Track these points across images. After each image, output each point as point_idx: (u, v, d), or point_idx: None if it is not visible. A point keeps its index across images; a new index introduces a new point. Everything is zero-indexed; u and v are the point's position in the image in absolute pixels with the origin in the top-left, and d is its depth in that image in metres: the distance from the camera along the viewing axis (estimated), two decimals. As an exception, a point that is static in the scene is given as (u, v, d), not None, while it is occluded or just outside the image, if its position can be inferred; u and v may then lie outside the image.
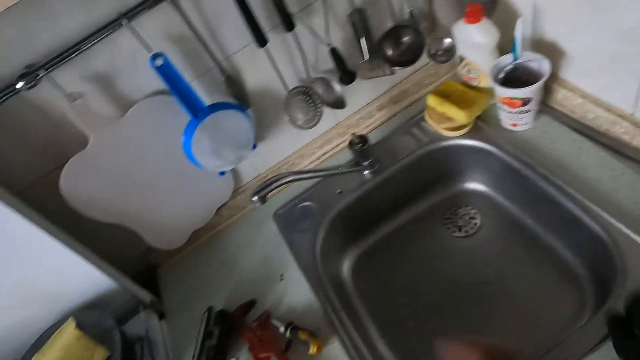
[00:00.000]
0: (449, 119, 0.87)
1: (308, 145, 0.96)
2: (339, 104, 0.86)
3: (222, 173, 0.89)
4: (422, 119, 0.94)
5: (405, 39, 0.86)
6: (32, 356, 0.76)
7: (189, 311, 0.86)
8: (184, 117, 0.75)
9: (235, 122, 0.80)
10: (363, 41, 0.82)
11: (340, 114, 0.96)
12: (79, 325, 0.77)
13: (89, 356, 0.73)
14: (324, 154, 0.98)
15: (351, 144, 0.86)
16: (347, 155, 0.97)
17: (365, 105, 0.97)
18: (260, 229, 0.93)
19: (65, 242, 0.72)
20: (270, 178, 0.76)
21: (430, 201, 0.97)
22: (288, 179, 0.76)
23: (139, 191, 0.81)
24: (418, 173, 0.93)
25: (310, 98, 0.86)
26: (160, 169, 0.81)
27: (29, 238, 0.69)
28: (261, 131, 0.89)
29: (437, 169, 0.94)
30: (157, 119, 0.77)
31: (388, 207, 0.95)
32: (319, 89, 0.85)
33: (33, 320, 0.80)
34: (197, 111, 0.75)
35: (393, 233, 0.96)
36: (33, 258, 0.72)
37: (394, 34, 0.85)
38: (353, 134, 0.85)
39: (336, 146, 0.98)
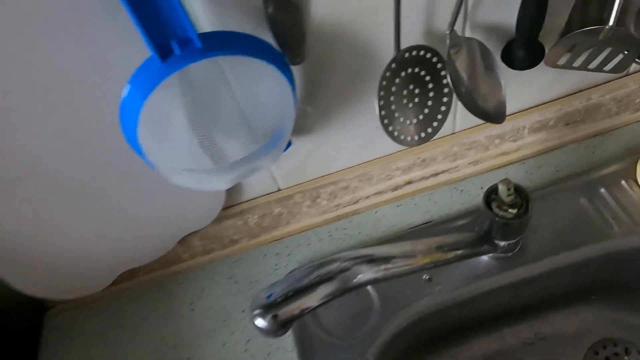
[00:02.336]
0: None
1: (383, 161, 0.49)
2: (495, 109, 0.39)
3: (206, 185, 0.43)
4: (629, 176, 0.47)
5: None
6: None
7: None
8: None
9: (266, 91, 0.34)
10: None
11: (462, 119, 0.48)
12: None
13: None
14: (408, 182, 0.52)
15: (492, 200, 0.40)
16: (449, 199, 0.51)
17: (513, 114, 0.50)
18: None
19: None
20: (308, 268, 0.30)
21: (575, 321, 0.53)
22: (355, 282, 0.30)
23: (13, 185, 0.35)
24: (582, 277, 0.48)
25: (434, 79, 0.38)
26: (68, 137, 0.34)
27: None
28: (312, 106, 0.42)
29: (618, 276, 0.49)
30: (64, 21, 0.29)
31: (493, 315, 0.51)
32: (462, 65, 0.37)
33: None
34: (171, 46, 0.28)
35: (491, 356, 0.52)
36: None
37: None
38: (508, 182, 0.38)
39: (434, 175, 0.52)
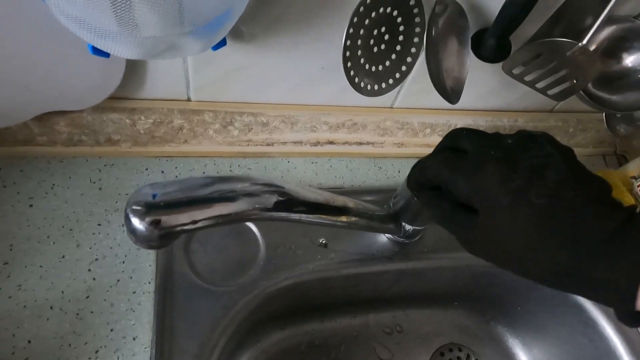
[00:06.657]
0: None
1: (314, 109, 0.44)
2: (453, 87, 0.36)
3: (101, 52, 0.33)
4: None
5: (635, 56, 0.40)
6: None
7: None
8: None
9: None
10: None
11: (405, 96, 0.46)
12: None
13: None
14: (331, 142, 0.48)
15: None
16: (365, 172, 0.49)
17: (450, 110, 0.49)
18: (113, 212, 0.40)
19: None
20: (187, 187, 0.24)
21: (433, 322, 0.54)
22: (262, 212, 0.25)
23: None
24: (458, 280, 0.49)
25: (407, 29, 0.34)
26: None
27: None
28: (252, 17, 0.35)
29: (482, 288, 0.51)
30: None
31: (368, 298, 0.50)
32: (441, 26, 0.34)
33: None
34: None
35: (350, 337, 0.51)
36: None
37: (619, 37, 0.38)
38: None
39: (358, 143, 0.48)
